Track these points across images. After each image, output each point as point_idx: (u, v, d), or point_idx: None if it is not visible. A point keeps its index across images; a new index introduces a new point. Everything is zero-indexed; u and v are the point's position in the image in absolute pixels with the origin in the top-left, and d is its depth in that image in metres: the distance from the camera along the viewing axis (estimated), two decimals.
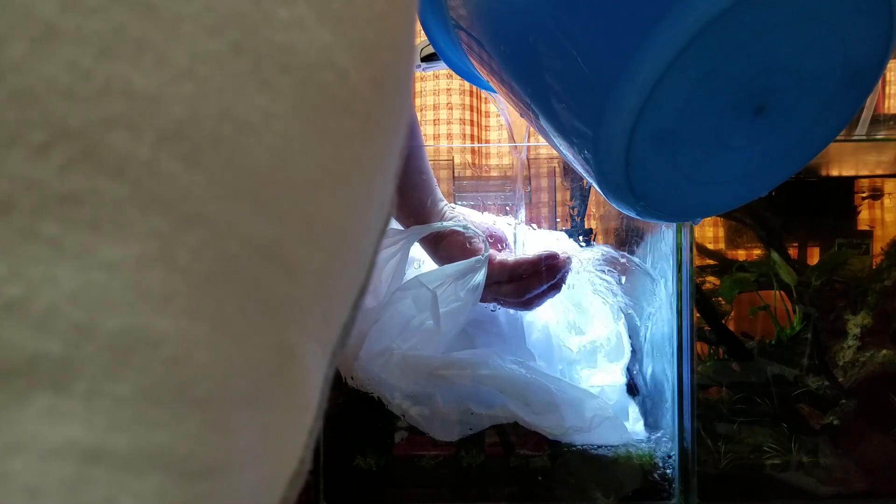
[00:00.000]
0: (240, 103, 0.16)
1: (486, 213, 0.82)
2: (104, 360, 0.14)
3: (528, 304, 0.69)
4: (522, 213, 0.74)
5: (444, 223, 0.70)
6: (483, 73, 0.47)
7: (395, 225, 0.72)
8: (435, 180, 0.71)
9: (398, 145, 0.24)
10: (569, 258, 0.67)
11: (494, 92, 0.59)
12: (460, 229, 0.70)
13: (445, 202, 0.72)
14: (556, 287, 0.68)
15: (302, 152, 0.18)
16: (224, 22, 0.16)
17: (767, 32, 0.30)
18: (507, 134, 0.69)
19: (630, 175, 0.34)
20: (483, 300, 0.70)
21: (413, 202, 0.70)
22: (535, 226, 0.80)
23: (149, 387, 0.15)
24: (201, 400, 0.16)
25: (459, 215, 0.71)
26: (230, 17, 0.16)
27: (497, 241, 0.72)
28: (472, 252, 0.68)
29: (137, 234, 0.15)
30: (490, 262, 0.67)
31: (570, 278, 0.69)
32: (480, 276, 0.66)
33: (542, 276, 0.66)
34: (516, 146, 0.71)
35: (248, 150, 0.17)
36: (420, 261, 0.75)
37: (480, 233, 0.70)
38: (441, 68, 0.59)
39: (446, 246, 0.70)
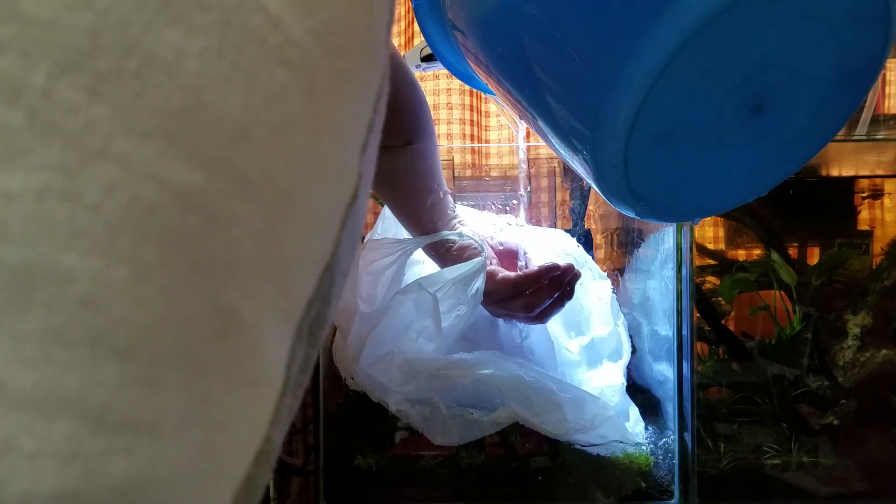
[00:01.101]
0: (147, 38, 0.16)
1: (485, 212, 0.82)
2: (3, 293, 0.14)
3: (541, 318, 0.68)
4: (523, 214, 0.73)
5: (443, 233, 0.69)
6: (481, 76, 0.47)
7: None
8: (449, 199, 0.71)
9: (359, 112, 0.23)
10: (571, 265, 0.66)
11: (491, 93, 0.59)
12: (455, 238, 0.69)
13: (458, 219, 0.71)
14: (565, 297, 0.67)
15: (222, 96, 0.17)
16: None
17: (765, 31, 0.30)
18: (512, 132, 0.69)
19: (629, 175, 0.34)
20: (495, 316, 0.69)
21: (424, 223, 0.69)
22: (519, 222, 0.80)
23: (57, 326, 0.14)
24: (121, 350, 0.15)
25: (469, 231, 0.70)
26: None
27: (510, 255, 0.72)
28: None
29: (37, 164, 0.14)
30: (493, 278, 0.66)
31: None
32: (480, 280, 0.65)
33: (547, 289, 0.65)
34: (518, 145, 0.70)
35: (158, 86, 0.16)
36: (422, 262, 0.75)
37: (477, 240, 0.69)
38: (441, 68, 0.59)
39: (453, 260, 0.69)
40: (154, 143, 0.16)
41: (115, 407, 0.15)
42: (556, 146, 0.38)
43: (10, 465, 0.13)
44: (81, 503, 0.14)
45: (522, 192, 0.73)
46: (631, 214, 0.37)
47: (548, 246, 0.77)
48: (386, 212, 0.76)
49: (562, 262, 0.66)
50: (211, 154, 0.17)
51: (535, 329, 0.72)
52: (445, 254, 0.70)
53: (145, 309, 0.16)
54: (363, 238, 0.82)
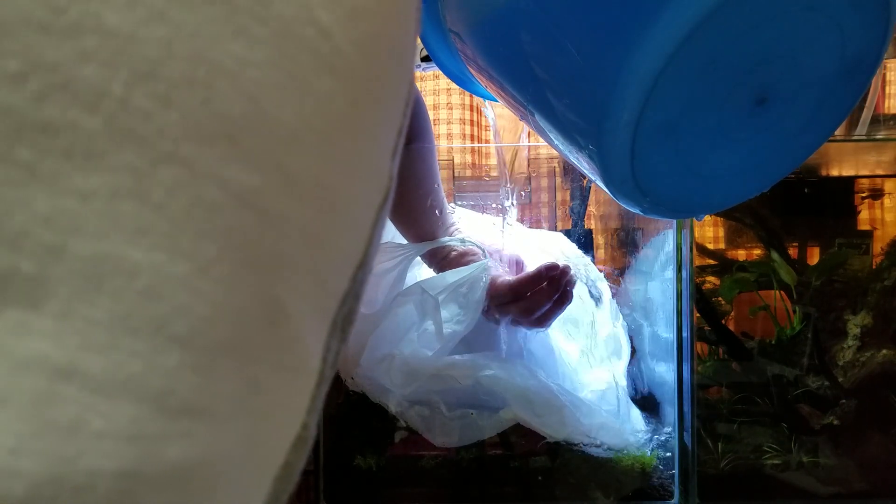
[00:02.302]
0: (214, 48, 0.17)
1: (485, 215, 0.82)
2: (76, 282, 0.15)
3: (541, 322, 0.68)
4: (512, 215, 0.73)
5: (443, 240, 0.69)
6: (480, 80, 0.47)
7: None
8: (446, 205, 0.71)
9: (392, 118, 0.24)
10: (568, 266, 0.66)
11: (490, 98, 0.59)
12: (458, 245, 0.69)
13: (455, 226, 0.71)
14: (564, 300, 0.67)
15: (279, 102, 0.18)
16: None
17: (767, 23, 0.30)
18: (495, 138, 0.69)
19: (635, 169, 0.34)
20: (495, 322, 0.69)
21: (422, 228, 0.69)
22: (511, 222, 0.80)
23: (123, 315, 0.15)
24: (181, 338, 0.16)
25: (466, 236, 0.70)
26: None
27: (510, 262, 0.72)
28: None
29: (110, 166, 0.15)
30: (493, 282, 0.66)
31: None
32: (483, 285, 0.65)
33: (546, 292, 0.65)
34: (501, 147, 0.70)
35: (223, 93, 0.17)
36: (423, 263, 0.75)
37: (480, 247, 0.69)
38: None
39: (450, 265, 0.69)
40: (218, 146, 0.17)
41: (174, 392, 0.16)
42: (560, 145, 0.38)
43: (79, 443, 0.14)
44: (141, 482, 0.15)
45: (518, 192, 0.73)
46: (636, 210, 0.37)
47: (543, 248, 0.77)
48: None
49: (560, 264, 0.66)
50: (267, 157, 0.18)
51: (534, 331, 0.72)
52: (444, 260, 0.70)
53: (203, 300, 0.17)
54: None
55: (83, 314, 0.15)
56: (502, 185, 0.72)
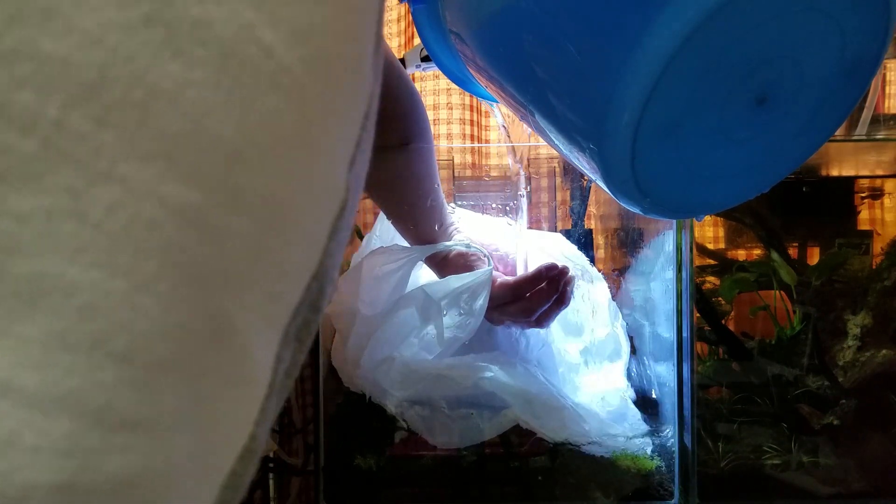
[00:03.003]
0: (152, 70, 0.17)
1: (485, 216, 0.82)
2: (11, 302, 0.15)
3: (540, 322, 0.68)
4: (522, 219, 0.73)
5: (447, 243, 0.69)
6: (480, 81, 0.47)
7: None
8: (445, 205, 0.71)
9: (348, 131, 0.25)
10: (566, 267, 0.66)
11: (490, 99, 0.59)
12: (463, 249, 0.69)
13: (454, 226, 0.71)
14: (562, 300, 0.67)
15: (220, 120, 0.19)
16: None
17: (768, 23, 0.30)
18: (505, 136, 0.69)
19: (636, 169, 0.34)
20: (494, 323, 0.69)
21: (422, 230, 0.69)
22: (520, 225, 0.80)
23: (60, 332, 0.16)
24: (119, 354, 0.17)
25: (465, 237, 0.70)
26: None
27: (506, 262, 0.72)
28: (476, 268, 0.68)
29: (47, 187, 0.16)
30: (492, 283, 0.66)
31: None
32: (486, 292, 0.65)
33: (545, 292, 0.66)
34: (514, 146, 0.70)
35: (160, 114, 0.17)
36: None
37: (483, 251, 0.69)
38: None
39: (451, 268, 0.69)
40: (155, 165, 0.17)
41: (112, 406, 0.16)
42: (560, 145, 0.38)
43: (14, 457, 0.15)
44: (78, 495, 0.16)
45: (522, 192, 0.73)
46: (637, 210, 0.37)
47: (542, 248, 0.77)
48: None
49: (559, 264, 0.66)
50: (208, 174, 0.19)
51: (533, 332, 0.72)
52: (442, 260, 0.70)
53: (143, 316, 0.17)
54: (362, 237, 0.82)
55: (17, 332, 0.15)
56: (518, 182, 0.72)
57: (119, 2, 0.17)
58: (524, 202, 0.72)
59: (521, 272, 0.71)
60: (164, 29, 0.18)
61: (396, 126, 0.64)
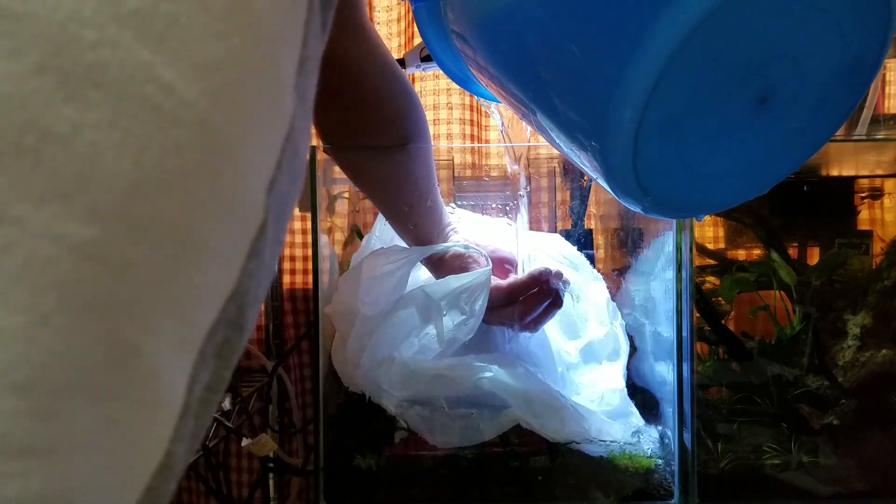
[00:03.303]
0: (45, 115, 0.18)
1: (484, 216, 0.82)
2: None
3: (533, 326, 0.68)
4: (522, 219, 0.73)
5: (446, 244, 0.69)
6: (482, 80, 0.47)
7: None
8: (442, 206, 0.71)
9: (265, 155, 0.26)
10: (559, 272, 0.66)
11: (491, 99, 0.59)
12: (461, 250, 0.69)
13: (451, 226, 0.71)
14: (555, 305, 0.67)
15: (117, 158, 0.20)
16: (26, 46, 0.18)
17: (769, 21, 0.30)
18: (505, 137, 0.69)
19: (637, 168, 0.34)
20: (487, 324, 0.69)
21: (419, 230, 0.70)
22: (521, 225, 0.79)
23: None
24: (19, 385, 0.17)
25: (462, 238, 0.70)
26: (33, 41, 0.18)
27: (504, 262, 0.72)
28: (472, 269, 0.68)
29: None
30: None
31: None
32: (485, 292, 0.65)
33: (538, 296, 0.66)
34: (513, 147, 0.70)
35: (55, 156, 0.18)
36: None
37: (482, 251, 0.69)
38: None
39: (448, 268, 0.69)
40: (50, 205, 0.18)
41: (12, 434, 0.17)
42: (562, 144, 0.38)
43: None
44: None
45: (522, 192, 0.73)
46: (637, 209, 0.37)
47: (540, 248, 0.77)
48: None
49: (553, 268, 0.66)
50: (106, 210, 0.19)
51: (533, 332, 0.72)
52: (440, 260, 0.70)
53: (42, 349, 0.18)
54: (361, 237, 0.82)
55: None
56: (517, 183, 0.72)
57: (10, 53, 0.18)
58: (524, 203, 0.72)
59: (521, 273, 0.71)
60: (57, 75, 0.18)
61: (394, 126, 0.64)
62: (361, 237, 0.84)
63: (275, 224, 0.28)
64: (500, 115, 0.68)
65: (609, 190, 0.37)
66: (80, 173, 0.19)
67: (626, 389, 0.73)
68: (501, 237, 0.76)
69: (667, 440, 0.69)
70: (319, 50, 0.32)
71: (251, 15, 0.24)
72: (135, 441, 0.21)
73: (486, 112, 1.09)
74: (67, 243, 0.19)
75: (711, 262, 0.78)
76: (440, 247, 0.69)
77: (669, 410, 0.70)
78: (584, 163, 0.37)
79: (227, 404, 0.79)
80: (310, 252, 1.08)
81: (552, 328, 0.74)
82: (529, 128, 0.67)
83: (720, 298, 0.74)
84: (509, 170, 0.71)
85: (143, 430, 0.22)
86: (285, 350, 1.06)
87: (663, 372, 0.72)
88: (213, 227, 0.23)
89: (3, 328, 0.17)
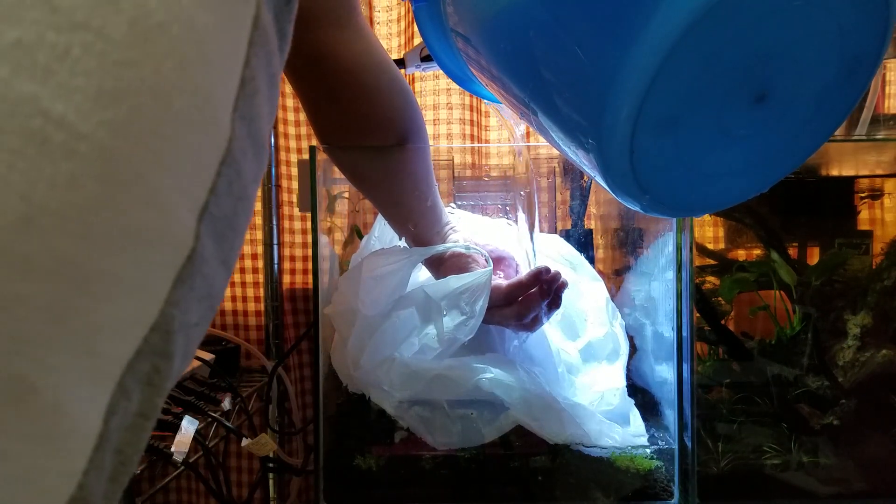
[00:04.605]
0: None
1: (483, 217, 0.82)
2: None
3: (531, 326, 0.68)
4: (523, 220, 0.73)
5: (447, 244, 0.69)
6: (482, 80, 0.47)
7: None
8: (441, 205, 0.71)
9: (194, 181, 0.26)
10: (558, 272, 0.66)
11: (490, 99, 0.59)
12: (462, 250, 0.69)
13: (450, 226, 0.71)
14: (554, 305, 0.67)
15: (2, 193, 0.19)
16: None
17: (767, 17, 0.30)
18: (509, 134, 0.69)
19: (635, 165, 0.34)
20: (486, 323, 0.69)
21: (419, 230, 0.70)
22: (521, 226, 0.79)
23: None
24: None
25: (461, 238, 0.71)
26: None
27: (502, 261, 0.72)
28: (472, 270, 0.68)
29: None
30: None
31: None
32: (486, 293, 0.65)
33: (537, 296, 0.66)
34: (521, 147, 0.70)
35: None
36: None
37: (483, 252, 0.69)
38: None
39: (448, 268, 0.69)
40: None
41: None
42: (561, 143, 0.38)
43: None
44: None
45: (522, 192, 0.73)
46: (636, 207, 0.37)
47: (539, 249, 0.77)
48: None
49: (552, 268, 0.66)
50: None
51: (532, 333, 0.72)
52: (439, 261, 0.70)
53: None
54: (361, 236, 0.82)
55: None
56: (532, 187, 0.72)
57: None
58: (523, 202, 0.72)
59: (524, 272, 0.71)
60: None
61: (391, 126, 0.64)
62: (361, 237, 0.84)
63: (214, 248, 0.28)
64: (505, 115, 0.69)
65: (608, 189, 0.37)
66: None
67: (626, 390, 0.73)
68: (501, 237, 0.76)
69: (667, 440, 0.69)
70: (275, 63, 0.31)
71: (168, 40, 0.23)
72: (36, 476, 0.21)
73: (486, 112, 1.09)
74: None
75: (711, 262, 0.78)
76: (441, 247, 0.69)
77: (669, 410, 0.70)
78: (583, 162, 0.37)
79: (227, 404, 0.79)
80: (310, 252, 1.08)
81: (552, 328, 0.74)
82: (522, 129, 0.67)
83: (720, 298, 0.74)
84: (518, 167, 0.71)
85: (45, 465, 0.21)
86: (285, 350, 1.06)
87: (663, 372, 0.72)
88: (122, 258, 0.23)
89: None
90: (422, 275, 0.75)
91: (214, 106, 0.26)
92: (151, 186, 0.23)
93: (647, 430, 0.71)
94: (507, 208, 0.86)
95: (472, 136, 1.07)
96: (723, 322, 0.74)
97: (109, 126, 0.21)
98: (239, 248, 0.32)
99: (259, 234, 1.07)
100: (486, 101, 0.62)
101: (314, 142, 0.67)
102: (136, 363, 0.24)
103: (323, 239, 0.72)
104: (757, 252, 0.78)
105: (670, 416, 0.69)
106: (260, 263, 1.08)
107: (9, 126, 0.19)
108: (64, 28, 0.21)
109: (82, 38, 0.21)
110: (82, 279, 0.21)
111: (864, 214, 0.78)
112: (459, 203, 0.85)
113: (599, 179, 0.37)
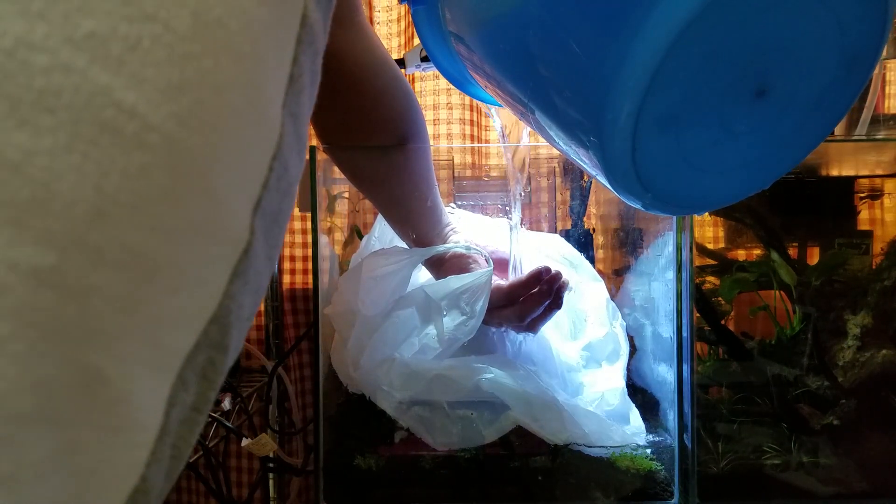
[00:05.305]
0: None
1: (482, 217, 0.82)
2: None
3: (532, 327, 0.68)
4: (517, 217, 0.73)
5: (447, 245, 0.69)
6: (480, 82, 0.47)
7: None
8: (441, 206, 0.71)
9: (249, 174, 0.26)
10: (559, 273, 0.66)
11: (490, 102, 0.59)
12: (462, 251, 0.69)
13: (451, 226, 0.71)
14: (554, 306, 0.67)
15: (75, 183, 0.19)
16: None
17: (766, 11, 0.30)
18: (500, 138, 0.69)
19: (637, 162, 0.34)
20: (486, 324, 0.69)
21: (419, 230, 0.70)
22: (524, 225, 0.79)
23: None
24: None
25: (462, 239, 0.70)
26: None
27: (503, 262, 0.72)
28: (473, 270, 0.68)
29: None
30: None
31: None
32: (486, 293, 0.65)
33: (539, 296, 0.66)
34: (507, 146, 0.70)
35: (6, 183, 0.18)
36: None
37: (483, 252, 0.69)
38: None
39: (448, 268, 0.69)
40: (4, 232, 0.18)
41: None
42: (561, 142, 0.38)
43: None
44: None
45: (522, 192, 0.73)
46: (638, 205, 0.37)
47: (538, 249, 0.77)
48: None
49: (552, 268, 0.66)
50: (63, 235, 0.19)
51: (529, 334, 0.72)
52: (439, 262, 0.70)
53: None
54: (361, 236, 0.82)
55: None
56: (514, 187, 0.72)
57: None
58: (517, 204, 0.72)
59: (512, 274, 0.71)
60: (7, 101, 0.18)
61: (392, 126, 0.64)
62: (361, 237, 0.84)
63: (264, 243, 0.28)
64: (500, 119, 0.69)
65: (609, 187, 0.37)
66: (34, 199, 0.19)
67: (626, 390, 0.73)
68: (501, 238, 0.76)
69: (667, 440, 0.69)
70: (317, 62, 0.32)
71: (225, 34, 0.23)
72: (104, 466, 0.21)
73: (485, 112, 1.09)
74: (23, 270, 0.18)
75: (711, 262, 0.78)
76: (441, 248, 0.69)
77: (669, 410, 0.70)
78: (583, 160, 0.37)
79: (227, 404, 0.79)
80: (310, 252, 1.08)
81: (552, 329, 0.74)
82: (526, 130, 0.67)
83: (720, 298, 0.74)
84: (509, 171, 0.71)
85: (113, 456, 0.21)
86: (285, 350, 1.06)
87: (663, 372, 0.72)
88: (187, 250, 0.23)
89: None
90: (422, 275, 0.75)
91: (266, 101, 0.26)
92: (213, 180, 0.24)
93: (647, 430, 0.71)
94: (507, 208, 0.86)
95: (472, 136, 1.07)
96: (723, 322, 0.74)
97: (176, 118, 0.22)
98: (280, 245, 0.32)
99: None
100: (484, 103, 0.62)
101: (314, 141, 0.67)
102: (195, 356, 0.25)
103: (323, 239, 0.72)
104: (757, 252, 0.78)
105: (670, 416, 0.69)
106: None
107: (85, 116, 0.20)
108: (135, 19, 0.21)
109: (152, 30, 0.21)
110: (150, 271, 0.22)
111: (864, 214, 0.78)
112: (459, 203, 0.85)
113: (601, 178, 0.37)
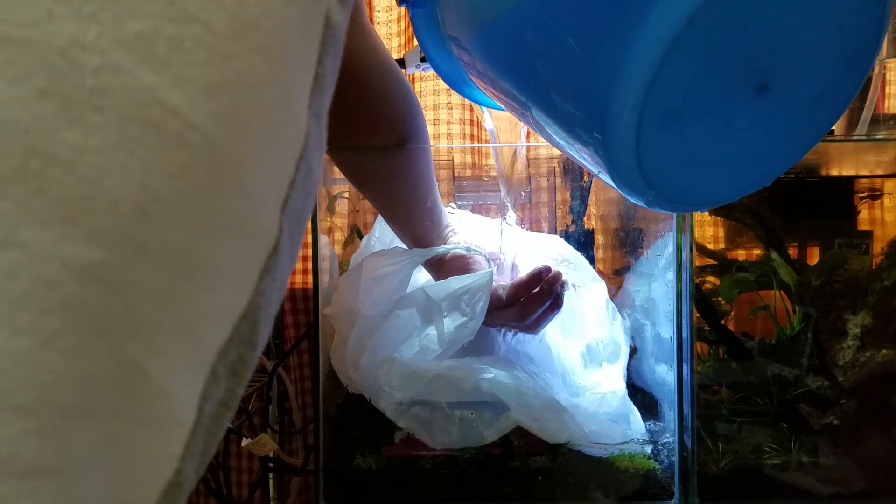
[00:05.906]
0: (48, 140, 0.18)
1: (482, 218, 0.82)
2: None
3: (534, 327, 0.68)
4: (511, 215, 0.73)
5: (447, 246, 0.69)
6: (479, 84, 0.47)
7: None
8: (441, 206, 0.71)
9: (277, 173, 0.26)
10: (559, 272, 0.66)
11: (489, 105, 0.59)
12: (462, 252, 0.69)
13: (451, 227, 0.71)
14: (556, 306, 0.67)
15: (121, 181, 0.20)
16: (28, 72, 0.18)
17: (768, 6, 0.30)
18: (492, 139, 0.69)
19: (641, 158, 0.34)
20: (488, 325, 0.69)
21: (419, 231, 0.70)
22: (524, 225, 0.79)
23: None
24: (23, 407, 0.18)
25: (462, 240, 0.70)
26: (34, 67, 0.18)
27: (510, 269, 0.72)
28: (473, 271, 0.68)
29: None
30: None
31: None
32: (487, 293, 0.65)
33: (539, 297, 0.66)
34: (497, 145, 0.70)
35: (57, 181, 0.19)
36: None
37: (484, 253, 0.69)
38: None
39: (448, 269, 0.69)
40: (55, 228, 0.19)
41: (19, 456, 0.18)
42: (562, 141, 0.38)
43: None
44: None
45: (516, 194, 0.73)
46: (641, 203, 0.37)
47: (538, 250, 0.77)
48: None
49: (553, 268, 0.66)
50: (110, 232, 0.20)
51: (529, 335, 0.72)
52: (439, 263, 0.70)
53: (47, 370, 0.18)
54: (361, 236, 0.82)
55: None
56: (502, 188, 0.72)
57: (12, 79, 0.18)
58: (510, 206, 0.72)
59: (506, 275, 0.71)
60: (60, 100, 0.19)
61: (393, 126, 0.64)
62: (361, 237, 0.84)
63: (289, 241, 0.28)
64: (492, 123, 0.69)
65: (613, 184, 0.37)
66: (85, 196, 0.19)
67: (626, 390, 0.73)
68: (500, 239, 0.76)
69: (667, 440, 0.69)
70: (337, 64, 0.32)
71: (259, 35, 0.24)
72: (142, 460, 0.21)
73: (479, 116, 1.09)
74: (73, 266, 0.19)
75: (711, 262, 0.78)
76: (442, 248, 0.69)
77: (669, 411, 0.70)
78: (585, 158, 0.37)
79: None
80: (310, 252, 1.08)
81: (552, 329, 0.74)
82: (524, 132, 0.67)
83: (720, 298, 0.74)
84: (499, 173, 0.71)
85: (151, 449, 0.22)
86: (285, 350, 1.06)
87: (663, 372, 0.72)
88: (222, 247, 0.23)
89: (9, 351, 0.17)
90: (422, 276, 0.75)
91: (294, 101, 0.27)
92: (247, 178, 0.24)
93: (647, 431, 0.71)
94: (501, 209, 0.86)
95: (472, 136, 1.07)
96: (723, 322, 0.74)
97: (215, 117, 0.22)
98: (301, 244, 0.32)
99: None
100: (482, 105, 0.62)
101: None
102: (227, 351, 0.25)
103: (323, 239, 0.72)
104: (757, 252, 0.78)
105: (670, 416, 0.69)
106: None
107: (132, 115, 0.20)
108: (178, 20, 0.21)
109: (193, 31, 0.21)
110: (189, 267, 0.22)
111: (864, 214, 0.78)
112: (459, 203, 0.85)
113: (604, 175, 0.37)
